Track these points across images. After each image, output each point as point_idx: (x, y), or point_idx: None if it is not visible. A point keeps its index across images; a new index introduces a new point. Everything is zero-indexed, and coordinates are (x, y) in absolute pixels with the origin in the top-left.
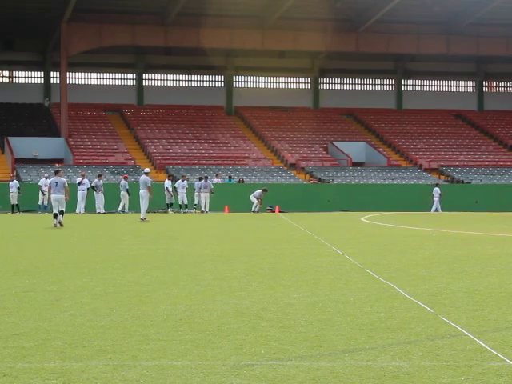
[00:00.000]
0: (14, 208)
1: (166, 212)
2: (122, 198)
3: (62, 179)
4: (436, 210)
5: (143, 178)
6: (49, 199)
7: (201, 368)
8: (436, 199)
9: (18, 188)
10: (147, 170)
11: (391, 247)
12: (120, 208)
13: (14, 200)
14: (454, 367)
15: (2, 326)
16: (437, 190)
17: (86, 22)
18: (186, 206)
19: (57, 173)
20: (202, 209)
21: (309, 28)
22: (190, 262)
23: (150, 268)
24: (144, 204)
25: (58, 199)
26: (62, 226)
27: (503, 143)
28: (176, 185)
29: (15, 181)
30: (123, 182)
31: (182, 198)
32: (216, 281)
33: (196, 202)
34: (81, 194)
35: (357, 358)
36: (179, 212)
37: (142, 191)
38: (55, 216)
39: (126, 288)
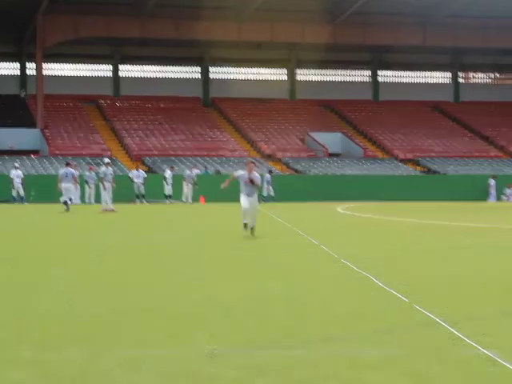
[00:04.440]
0: (19, 200)
1: (164, 203)
2: (100, 186)
3: (72, 170)
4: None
5: (104, 169)
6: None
7: (176, 357)
8: (266, 186)
9: None
10: (107, 160)
11: (367, 237)
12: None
13: (17, 188)
14: (428, 355)
15: None
16: (268, 177)
17: (61, 13)
18: (171, 197)
19: (67, 165)
20: (184, 199)
21: (286, 19)
22: (164, 252)
23: (123, 258)
24: (107, 194)
25: (67, 188)
26: (67, 210)
27: (479, 134)
28: (166, 175)
29: (18, 170)
30: (101, 170)
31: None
32: (190, 271)
33: (169, 193)
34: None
35: (331, 346)
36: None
37: (107, 182)
38: (65, 203)
39: (101, 278)
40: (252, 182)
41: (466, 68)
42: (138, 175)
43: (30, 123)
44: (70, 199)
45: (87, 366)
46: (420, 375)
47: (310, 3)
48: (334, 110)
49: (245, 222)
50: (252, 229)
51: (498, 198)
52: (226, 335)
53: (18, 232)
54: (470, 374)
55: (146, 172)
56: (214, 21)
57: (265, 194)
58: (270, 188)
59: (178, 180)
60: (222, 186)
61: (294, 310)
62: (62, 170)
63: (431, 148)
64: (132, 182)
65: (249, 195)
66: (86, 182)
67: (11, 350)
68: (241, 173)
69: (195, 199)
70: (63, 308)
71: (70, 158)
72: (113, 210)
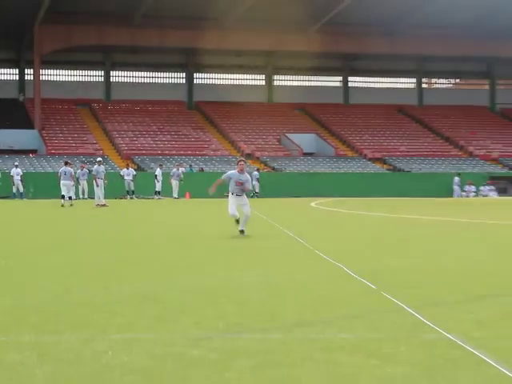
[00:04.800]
0: (19, 195)
1: (152, 198)
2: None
3: (70, 169)
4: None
5: (96, 166)
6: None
7: (163, 340)
8: (255, 183)
9: None
10: (99, 159)
11: (338, 230)
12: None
13: (16, 185)
14: (395, 338)
15: None
16: (256, 174)
17: (57, 23)
18: (160, 193)
19: (66, 164)
20: (175, 195)
21: (263, 29)
22: (153, 243)
23: (115, 248)
24: (100, 190)
25: (66, 184)
26: (71, 205)
27: (440, 135)
28: (157, 172)
29: (18, 169)
30: (94, 167)
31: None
32: (177, 261)
33: (158, 189)
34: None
35: (306, 330)
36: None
37: (100, 178)
38: (63, 197)
39: (96, 267)
40: (242, 184)
41: (429, 74)
42: (128, 173)
43: (28, 125)
44: (70, 197)
45: (82, 349)
46: (387, 356)
47: (285, 14)
48: (308, 112)
49: (232, 217)
50: (242, 231)
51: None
52: (209, 320)
53: (18, 224)
54: (432, 356)
55: (135, 170)
56: (197, 30)
57: (257, 189)
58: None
59: (166, 177)
60: (210, 191)
61: (270, 297)
62: (62, 169)
63: (397, 148)
64: (123, 179)
65: (238, 194)
66: (77, 179)
67: (11, 334)
68: (231, 173)
69: (181, 195)
70: (60, 295)
71: (65, 156)
72: (105, 205)
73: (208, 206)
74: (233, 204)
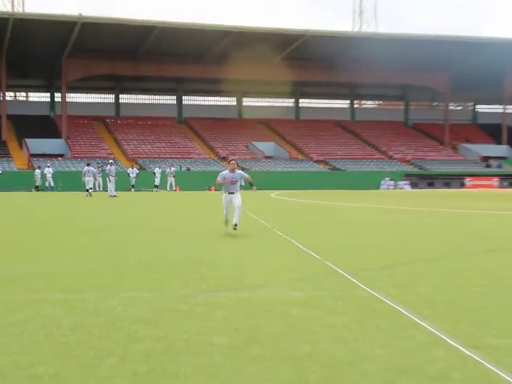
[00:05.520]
0: (38, 188)
1: (151, 191)
2: (106, 179)
3: (92, 168)
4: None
5: (109, 167)
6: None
7: (159, 298)
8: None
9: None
10: (111, 160)
11: (292, 214)
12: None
13: (38, 182)
14: (334, 296)
15: (21, 269)
16: (134, 171)
17: (79, 58)
18: (157, 186)
19: (88, 164)
20: (168, 188)
21: (236, 62)
22: (153, 225)
23: (124, 230)
24: (112, 185)
25: (88, 181)
26: (91, 195)
27: (368, 143)
28: (155, 171)
29: (50, 168)
30: (107, 168)
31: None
32: (170, 238)
33: (157, 183)
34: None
35: (267, 290)
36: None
37: (111, 176)
38: (87, 190)
39: (109, 244)
40: (235, 183)
41: (359, 97)
42: (132, 171)
43: (57, 135)
44: (90, 188)
45: (99, 304)
46: (328, 309)
47: (253, 52)
48: (268, 126)
49: (226, 219)
50: (235, 225)
51: (385, 187)
52: (194, 282)
53: (50, 210)
54: (361, 308)
55: (138, 169)
56: (185, 64)
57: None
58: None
59: (162, 174)
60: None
61: (239, 265)
62: (85, 168)
63: (335, 152)
64: (128, 176)
65: (231, 192)
66: (94, 176)
67: (45, 293)
68: (224, 173)
69: (172, 188)
70: (82, 264)
71: (85, 159)
72: (115, 196)
73: (193, 196)
74: (225, 201)
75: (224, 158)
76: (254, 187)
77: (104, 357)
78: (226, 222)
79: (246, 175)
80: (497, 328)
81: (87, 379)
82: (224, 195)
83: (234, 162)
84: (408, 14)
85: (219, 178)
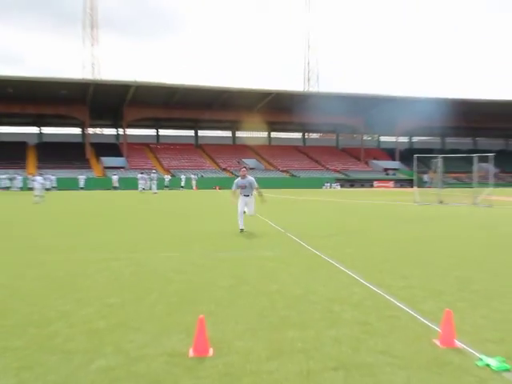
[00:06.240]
0: (116, 188)
1: (178, 189)
2: (151, 183)
3: (144, 175)
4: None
5: (153, 174)
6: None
7: (184, 256)
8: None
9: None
10: (154, 170)
11: (270, 206)
12: (146, 188)
13: (115, 183)
14: (292, 254)
15: (103, 239)
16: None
17: (133, 106)
18: (183, 187)
19: (142, 173)
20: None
21: (231, 110)
22: (182, 212)
23: (161, 215)
24: (154, 186)
25: (141, 183)
26: (142, 193)
27: (313, 159)
28: (181, 177)
29: (116, 176)
30: (151, 175)
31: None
32: (190, 218)
33: (182, 185)
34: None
35: (250, 251)
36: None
37: (154, 180)
38: (143, 189)
39: (153, 223)
40: (245, 187)
41: (308, 130)
42: (167, 178)
43: (120, 155)
44: (143, 188)
45: (147, 260)
46: (288, 263)
47: (242, 101)
48: (252, 149)
49: (241, 228)
50: (251, 215)
51: (325, 187)
52: (208, 246)
53: (112, 203)
54: (309, 262)
55: (170, 176)
56: (199, 109)
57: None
58: None
59: (187, 179)
60: (231, 203)
61: (234, 236)
62: (139, 175)
63: (293, 165)
64: (164, 181)
65: (246, 195)
66: (145, 180)
67: (114, 253)
68: (236, 181)
69: (190, 187)
70: (136, 236)
71: (138, 170)
72: (156, 193)
73: (207, 193)
74: (241, 205)
75: (224, 169)
76: (261, 195)
77: (150, 292)
78: (241, 228)
79: (255, 183)
80: (393, 273)
81: (139, 306)
82: (240, 197)
83: (244, 169)
84: (339, 79)
85: (233, 188)
